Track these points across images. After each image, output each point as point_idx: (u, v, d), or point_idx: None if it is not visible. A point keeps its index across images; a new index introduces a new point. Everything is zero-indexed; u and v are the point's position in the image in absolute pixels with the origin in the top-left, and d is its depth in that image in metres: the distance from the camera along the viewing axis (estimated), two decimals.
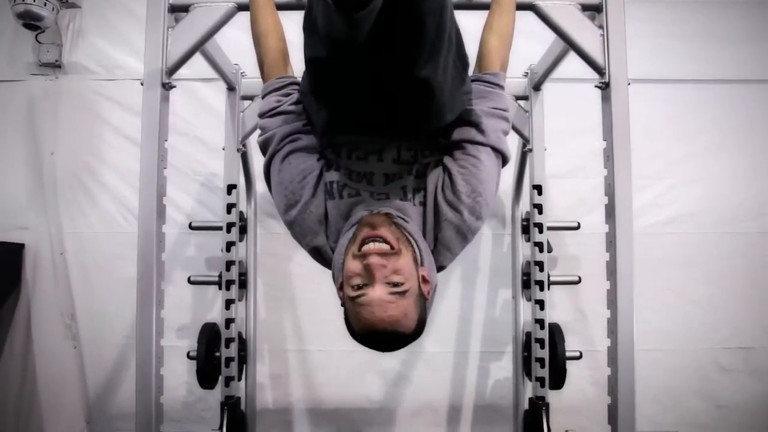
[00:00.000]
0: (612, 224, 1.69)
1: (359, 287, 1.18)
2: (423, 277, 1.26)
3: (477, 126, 1.41)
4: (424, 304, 1.26)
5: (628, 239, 1.66)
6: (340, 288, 1.27)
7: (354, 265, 1.20)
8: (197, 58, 1.89)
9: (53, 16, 2.96)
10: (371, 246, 1.19)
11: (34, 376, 3.06)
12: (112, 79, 3.17)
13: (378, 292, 1.16)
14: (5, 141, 3.16)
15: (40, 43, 3.14)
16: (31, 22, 2.91)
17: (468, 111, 1.42)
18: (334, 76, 1.27)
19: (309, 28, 1.27)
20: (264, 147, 1.47)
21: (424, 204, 1.39)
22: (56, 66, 3.17)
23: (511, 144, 2.30)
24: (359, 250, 1.20)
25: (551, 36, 2.01)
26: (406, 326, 1.20)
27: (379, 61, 1.17)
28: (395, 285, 1.18)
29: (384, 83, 1.22)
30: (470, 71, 1.54)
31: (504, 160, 1.45)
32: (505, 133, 1.46)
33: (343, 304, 1.27)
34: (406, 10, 1.09)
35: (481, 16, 1.58)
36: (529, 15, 1.73)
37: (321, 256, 1.44)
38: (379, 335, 1.19)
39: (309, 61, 1.33)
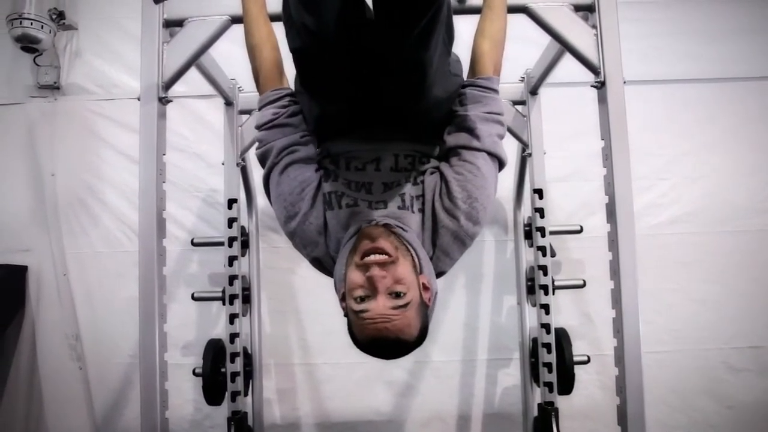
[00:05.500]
0: (613, 223, 1.69)
1: (362, 299, 1.20)
2: (423, 284, 1.27)
3: (472, 131, 1.42)
4: (425, 311, 1.27)
5: (630, 237, 1.66)
6: (343, 298, 1.29)
7: (356, 277, 1.21)
8: (194, 74, 1.90)
9: (50, 38, 2.99)
10: (372, 258, 1.20)
11: (41, 397, 3.05)
12: (110, 99, 3.18)
13: (381, 305, 1.18)
14: (6, 163, 3.17)
15: (38, 65, 3.16)
16: (28, 45, 2.93)
17: (463, 117, 1.44)
18: (317, 64, 1.30)
19: (287, 20, 1.31)
20: (262, 159, 1.48)
21: (422, 211, 1.40)
22: (55, 88, 3.18)
23: (511, 149, 2.31)
24: (360, 260, 1.22)
25: (546, 40, 2.01)
26: (409, 335, 1.21)
27: (362, 51, 1.19)
28: (397, 295, 1.19)
29: (368, 67, 1.23)
30: (464, 73, 1.55)
31: (501, 164, 1.46)
32: (501, 137, 1.47)
33: (346, 315, 1.28)
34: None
35: (473, 20, 1.58)
36: (524, 19, 1.73)
37: (322, 265, 1.46)
38: (383, 345, 1.21)
39: (292, 52, 1.35)
